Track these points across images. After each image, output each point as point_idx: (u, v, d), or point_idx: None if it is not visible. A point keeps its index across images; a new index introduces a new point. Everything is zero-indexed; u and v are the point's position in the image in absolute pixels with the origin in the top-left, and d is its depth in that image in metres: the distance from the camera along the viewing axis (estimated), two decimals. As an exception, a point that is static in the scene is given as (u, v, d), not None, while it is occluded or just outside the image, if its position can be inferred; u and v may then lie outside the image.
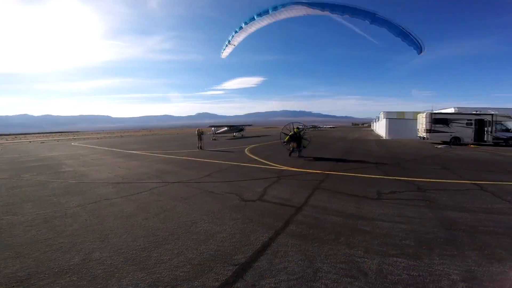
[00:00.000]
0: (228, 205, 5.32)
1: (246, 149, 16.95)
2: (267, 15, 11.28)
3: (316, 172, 8.64)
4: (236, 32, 12.64)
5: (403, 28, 10.40)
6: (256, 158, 12.62)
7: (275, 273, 2.86)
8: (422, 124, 21.65)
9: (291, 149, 13.00)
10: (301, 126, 14.19)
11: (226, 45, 13.34)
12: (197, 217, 4.66)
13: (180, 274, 2.89)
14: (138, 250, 3.48)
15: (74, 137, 57.05)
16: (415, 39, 10.52)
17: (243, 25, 12.13)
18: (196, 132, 18.52)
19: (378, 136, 34.04)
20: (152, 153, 16.23)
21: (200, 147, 17.69)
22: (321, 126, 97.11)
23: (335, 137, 28.50)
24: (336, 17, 11.59)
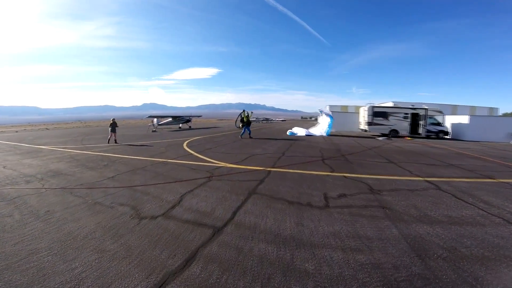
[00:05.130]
0: (107, 225, 3.42)
1: (185, 142, 14.73)
2: None
3: (257, 169, 7.18)
4: None
5: None
6: (192, 152, 10.62)
7: None
8: (363, 117, 22.44)
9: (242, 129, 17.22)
10: (249, 112, 17.56)
11: None
12: (43, 244, 2.86)
13: None
14: None
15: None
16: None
17: None
18: (111, 122, 15.19)
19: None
20: (64, 148, 12.81)
21: (115, 140, 14.78)
22: (273, 119, 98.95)
23: (284, 129, 28.10)
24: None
